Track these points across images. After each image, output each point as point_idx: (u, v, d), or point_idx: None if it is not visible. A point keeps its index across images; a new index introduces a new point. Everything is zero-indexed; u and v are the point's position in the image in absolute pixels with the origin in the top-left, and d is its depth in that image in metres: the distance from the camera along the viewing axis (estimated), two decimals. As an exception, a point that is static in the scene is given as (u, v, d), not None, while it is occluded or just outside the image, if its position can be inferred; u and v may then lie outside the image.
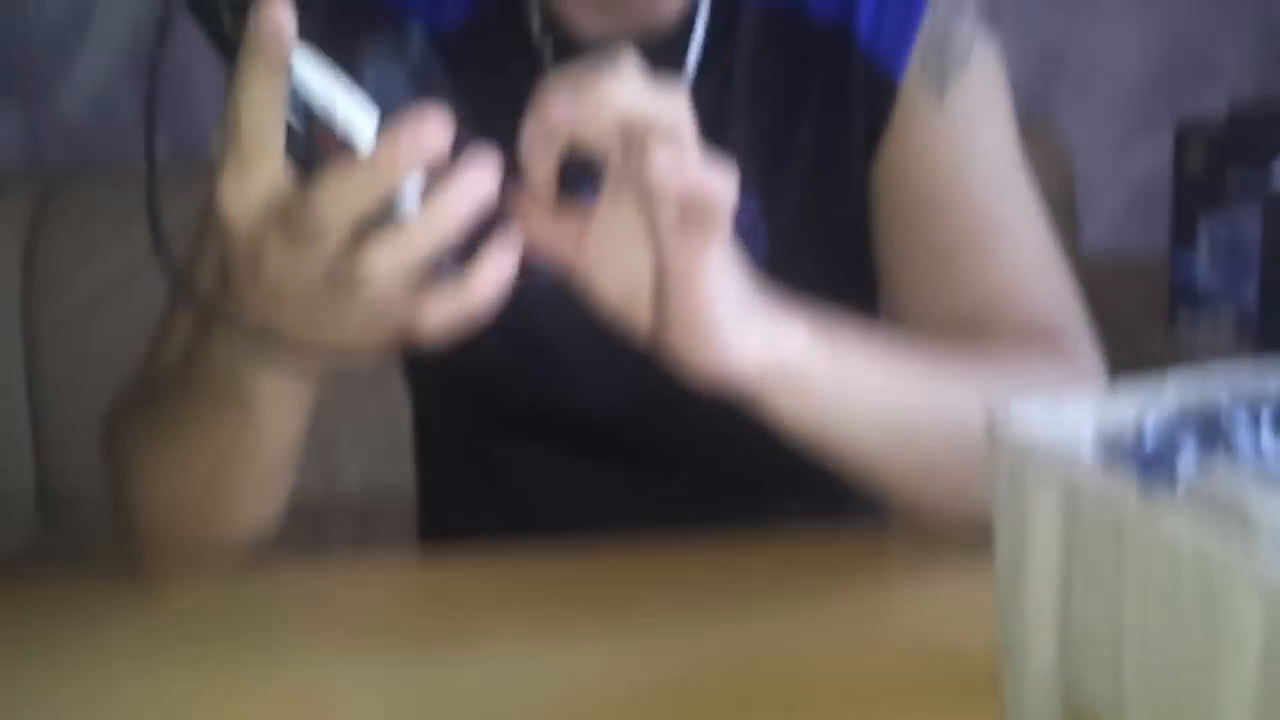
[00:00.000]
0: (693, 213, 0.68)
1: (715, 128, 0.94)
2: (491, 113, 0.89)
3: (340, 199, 0.60)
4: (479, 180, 0.62)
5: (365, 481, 1.63)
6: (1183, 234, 1.63)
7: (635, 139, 0.66)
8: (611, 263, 0.72)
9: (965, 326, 0.91)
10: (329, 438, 1.60)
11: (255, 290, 0.65)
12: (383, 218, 0.61)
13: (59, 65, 1.86)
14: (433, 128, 0.60)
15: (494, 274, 0.63)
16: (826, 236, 0.97)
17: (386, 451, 1.52)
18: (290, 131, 0.62)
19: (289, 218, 0.62)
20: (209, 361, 0.74)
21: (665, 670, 0.74)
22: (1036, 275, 0.93)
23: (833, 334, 0.76)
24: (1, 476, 1.63)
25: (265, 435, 0.76)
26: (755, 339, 0.72)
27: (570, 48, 0.94)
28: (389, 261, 0.61)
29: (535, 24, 0.95)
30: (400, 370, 1.08)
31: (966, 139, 0.94)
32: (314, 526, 1.07)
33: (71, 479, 1.63)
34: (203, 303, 0.72)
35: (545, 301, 0.91)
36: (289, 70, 0.61)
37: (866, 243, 0.98)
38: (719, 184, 0.68)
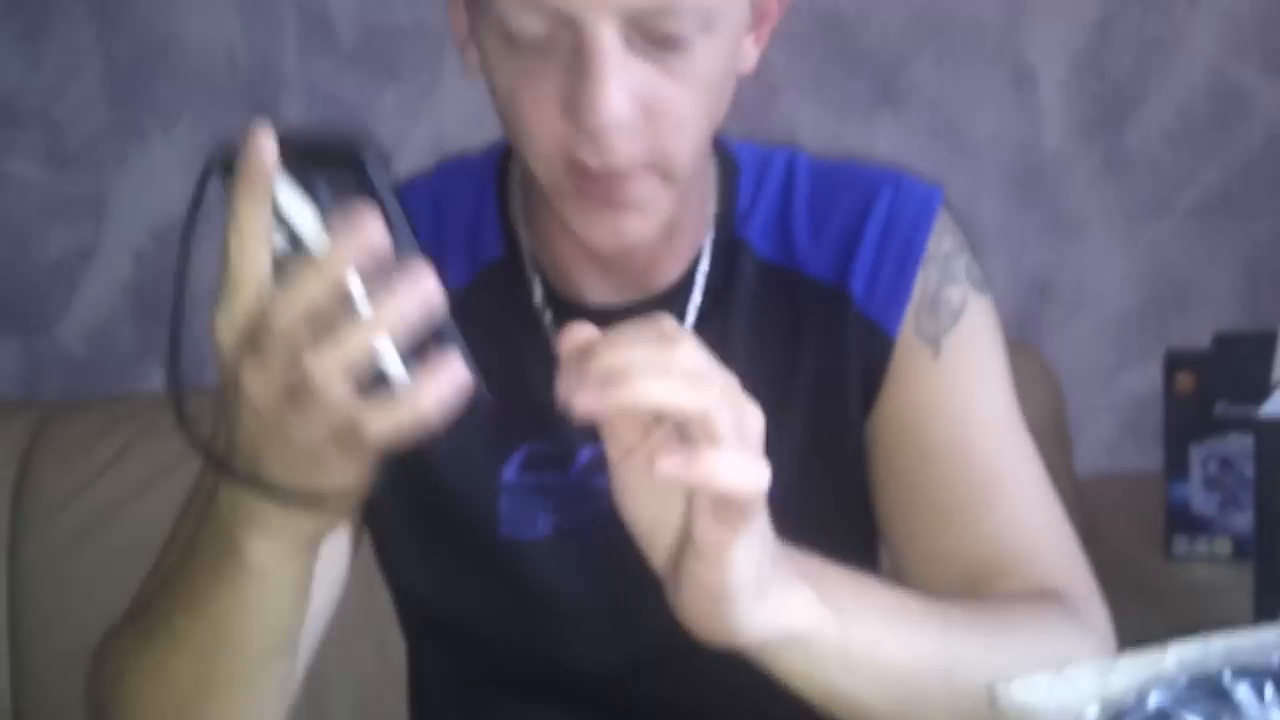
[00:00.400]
0: (727, 504, 0.68)
1: None
2: (485, 369, 0.90)
3: (292, 300, 0.64)
4: (422, 283, 0.65)
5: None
6: (1175, 462, 1.64)
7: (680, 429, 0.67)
8: (645, 492, 0.72)
9: (972, 585, 0.90)
10: (322, 680, 1.57)
11: (238, 417, 0.68)
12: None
13: (60, 297, 1.89)
14: (370, 225, 0.64)
15: (437, 385, 0.65)
16: (825, 494, 0.97)
17: (379, 697, 1.49)
18: (279, 259, 0.68)
19: (255, 331, 0.66)
20: (209, 530, 0.76)
21: None
22: (1041, 531, 0.93)
23: (843, 598, 0.75)
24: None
25: (260, 608, 0.76)
26: (767, 611, 0.71)
27: (572, 312, 0.95)
28: (334, 360, 0.64)
29: (537, 292, 0.96)
30: (397, 618, 1.07)
31: (963, 393, 0.94)
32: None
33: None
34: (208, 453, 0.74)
35: (544, 553, 0.91)
36: (273, 200, 0.67)
37: (864, 498, 0.98)
38: (755, 481, 0.67)
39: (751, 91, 0.92)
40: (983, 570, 0.90)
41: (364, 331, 0.64)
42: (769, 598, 0.71)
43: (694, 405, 0.65)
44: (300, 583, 0.77)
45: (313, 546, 0.76)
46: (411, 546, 0.98)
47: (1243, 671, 0.62)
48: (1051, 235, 2.02)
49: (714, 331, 0.95)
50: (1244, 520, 1.59)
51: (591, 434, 0.93)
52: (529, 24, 0.79)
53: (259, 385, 0.66)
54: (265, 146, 0.66)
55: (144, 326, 1.89)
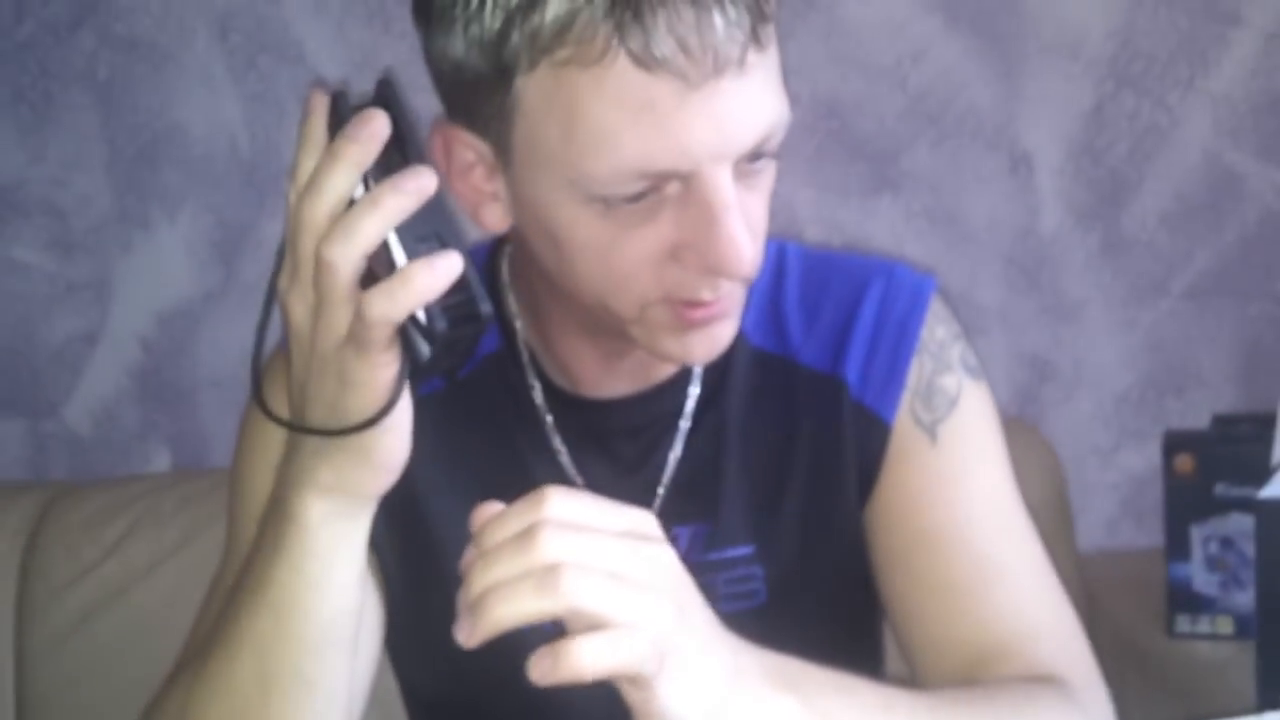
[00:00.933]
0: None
1: (710, 477, 0.96)
2: (486, 463, 0.92)
3: (314, 200, 0.73)
4: (422, 178, 0.72)
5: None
6: (1176, 542, 1.64)
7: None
8: None
9: (972, 670, 0.90)
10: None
11: (293, 360, 0.76)
12: None
13: (66, 380, 1.90)
14: (377, 120, 0.73)
15: (432, 267, 0.70)
16: (823, 579, 0.97)
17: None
18: None
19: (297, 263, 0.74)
20: (269, 520, 0.81)
21: None
22: (1041, 615, 0.93)
23: (828, 703, 0.75)
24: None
25: (318, 580, 0.79)
26: (737, 669, 0.72)
27: (572, 404, 0.96)
28: (344, 244, 0.71)
29: (537, 387, 0.98)
30: (403, 704, 1.07)
31: (961, 479, 0.95)
32: None
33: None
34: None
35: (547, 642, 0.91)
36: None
37: (864, 581, 0.98)
38: (629, 656, 0.68)
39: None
40: (982, 655, 0.90)
41: (368, 215, 0.70)
42: (742, 708, 0.71)
43: (554, 608, 0.67)
44: (353, 557, 0.80)
45: (362, 508, 0.79)
46: (420, 637, 0.98)
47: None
48: (1050, 316, 2.03)
49: (711, 420, 0.96)
50: (1246, 599, 1.59)
51: None
52: (632, 187, 0.80)
53: (299, 308, 0.74)
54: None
55: (149, 408, 1.90)
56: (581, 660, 0.66)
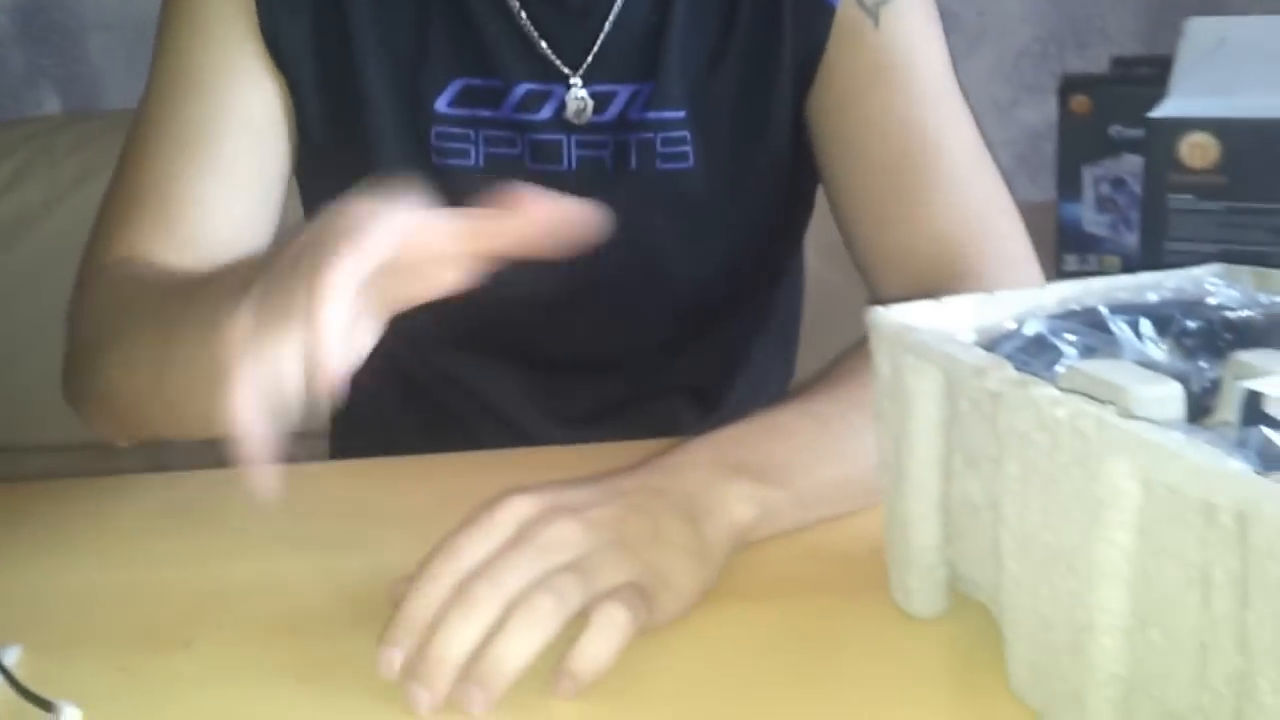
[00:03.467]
0: None
1: (652, 37, 0.97)
2: (432, 12, 0.89)
3: None
4: None
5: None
6: (1068, 183, 1.67)
7: None
8: None
9: (934, 259, 0.93)
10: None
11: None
12: None
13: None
14: None
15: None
16: (750, 163, 1.00)
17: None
18: None
19: None
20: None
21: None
22: (985, 197, 0.97)
23: (773, 457, 0.75)
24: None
25: None
26: (714, 562, 0.71)
27: None
28: None
29: None
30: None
31: (906, 61, 0.96)
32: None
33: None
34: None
35: (475, 184, 0.91)
36: None
37: (792, 190, 1.02)
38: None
39: None
40: (939, 245, 0.94)
41: None
42: (713, 550, 0.71)
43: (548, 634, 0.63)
44: None
45: None
46: (343, 175, 0.98)
47: (1120, 309, 0.65)
48: (955, -33, 2.01)
49: (656, 2, 0.96)
50: (1133, 240, 1.63)
51: (526, 72, 0.95)
52: None
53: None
54: None
55: (33, 52, 1.85)
56: (592, 666, 0.63)
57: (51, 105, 1.85)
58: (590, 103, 0.96)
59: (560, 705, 0.62)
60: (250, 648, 0.69)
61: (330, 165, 0.98)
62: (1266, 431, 0.51)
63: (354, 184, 0.60)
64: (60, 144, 1.60)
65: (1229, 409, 0.57)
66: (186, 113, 0.93)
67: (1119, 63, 1.71)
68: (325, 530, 0.82)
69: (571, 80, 0.96)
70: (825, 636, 0.68)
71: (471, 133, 0.96)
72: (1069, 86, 1.63)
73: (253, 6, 0.94)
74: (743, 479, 0.73)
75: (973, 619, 0.66)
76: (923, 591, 0.68)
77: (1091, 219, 1.66)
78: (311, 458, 0.97)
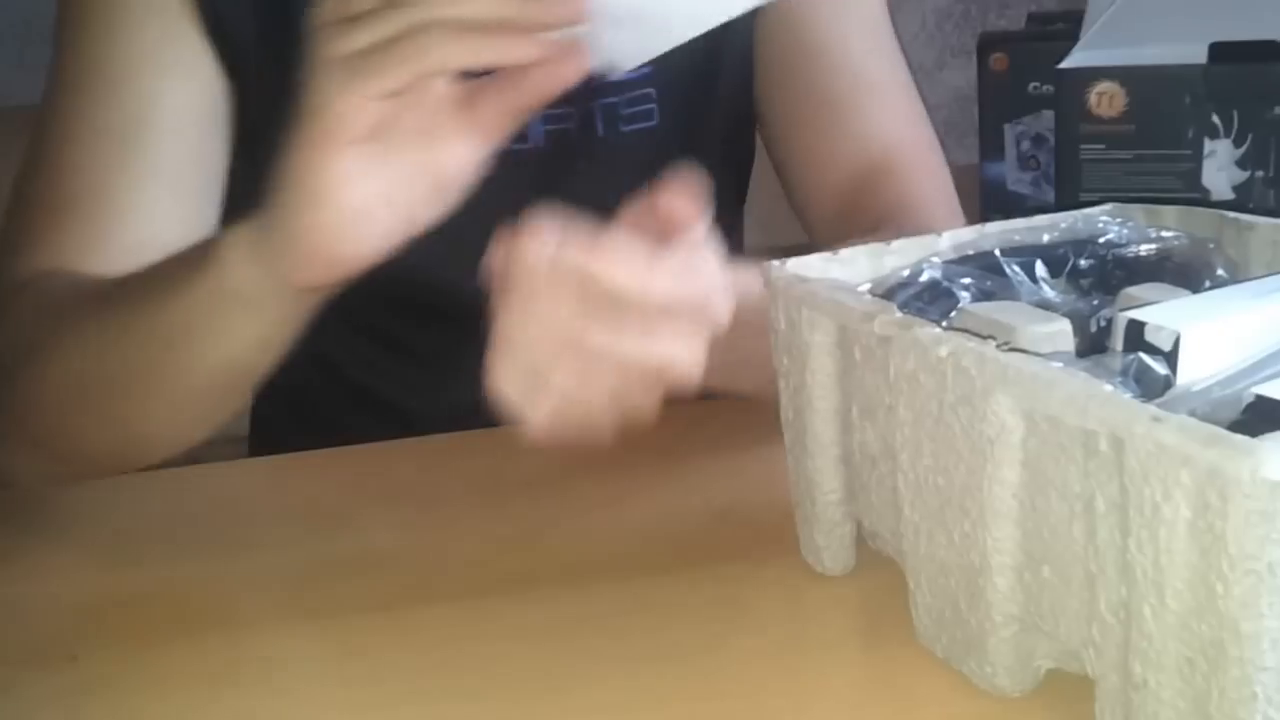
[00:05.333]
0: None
1: None
2: None
3: None
4: None
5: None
6: (990, 143, 1.67)
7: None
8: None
9: (857, 189, 0.97)
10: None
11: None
12: None
13: None
14: None
15: None
16: (710, 110, 1.02)
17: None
18: None
19: None
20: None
21: (462, 546, 0.75)
22: (916, 136, 1.01)
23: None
24: None
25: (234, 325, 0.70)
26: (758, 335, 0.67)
27: None
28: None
29: None
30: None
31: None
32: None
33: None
34: None
35: None
36: None
37: (746, 128, 1.05)
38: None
39: None
40: (862, 171, 0.97)
41: None
42: (753, 324, 0.67)
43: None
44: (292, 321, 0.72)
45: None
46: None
47: (1015, 251, 0.64)
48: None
49: None
50: (1050, 194, 1.62)
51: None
52: None
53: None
54: None
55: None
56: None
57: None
58: None
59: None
60: (143, 655, 0.66)
61: (274, 148, 0.95)
62: (1145, 359, 0.50)
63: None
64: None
65: (1118, 343, 0.56)
66: (113, 110, 0.86)
67: (1034, 19, 1.71)
68: (215, 533, 0.80)
69: None
70: (735, 602, 0.67)
71: None
72: (987, 44, 1.62)
73: None
74: None
75: (882, 574, 0.65)
76: (830, 549, 0.67)
77: (1015, 177, 1.66)
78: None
